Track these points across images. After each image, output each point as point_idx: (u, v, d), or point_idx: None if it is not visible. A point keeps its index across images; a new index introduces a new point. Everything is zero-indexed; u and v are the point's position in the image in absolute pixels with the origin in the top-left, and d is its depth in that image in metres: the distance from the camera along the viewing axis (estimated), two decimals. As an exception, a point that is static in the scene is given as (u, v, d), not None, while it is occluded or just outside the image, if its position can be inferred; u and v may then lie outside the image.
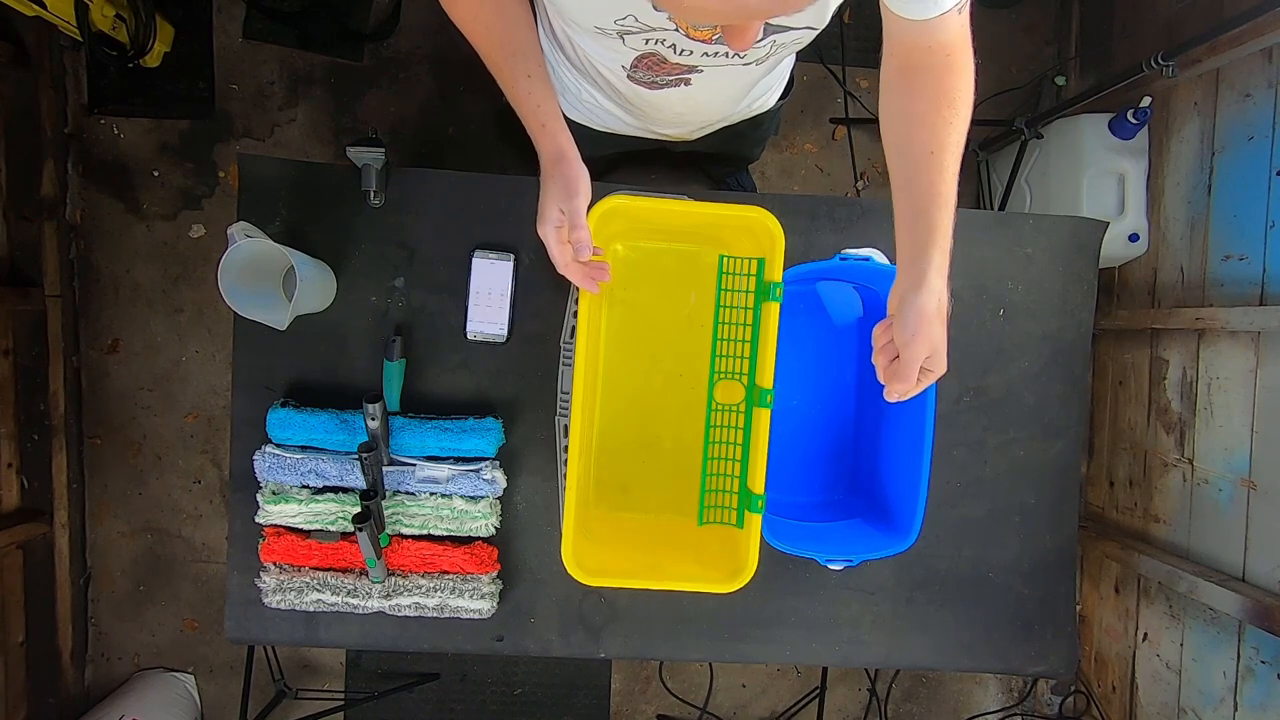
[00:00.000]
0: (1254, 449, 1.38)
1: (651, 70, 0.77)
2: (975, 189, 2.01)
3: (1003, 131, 1.83)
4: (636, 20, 0.66)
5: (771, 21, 0.66)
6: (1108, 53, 1.84)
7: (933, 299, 0.68)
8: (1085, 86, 1.77)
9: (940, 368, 0.70)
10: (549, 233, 0.79)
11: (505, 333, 1.05)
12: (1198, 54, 1.41)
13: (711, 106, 0.90)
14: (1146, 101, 1.55)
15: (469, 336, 1.05)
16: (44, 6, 1.48)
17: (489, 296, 1.04)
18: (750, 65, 0.76)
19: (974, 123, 2.04)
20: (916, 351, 0.68)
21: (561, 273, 0.81)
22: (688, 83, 0.80)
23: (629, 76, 0.80)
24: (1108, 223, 1.16)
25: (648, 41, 0.70)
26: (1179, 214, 1.58)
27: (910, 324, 0.68)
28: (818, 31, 0.70)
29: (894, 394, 0.72)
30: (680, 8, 0.50)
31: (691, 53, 0.72)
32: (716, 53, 0.71)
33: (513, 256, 1.04)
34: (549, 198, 0.79)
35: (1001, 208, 1.80)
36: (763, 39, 0.69)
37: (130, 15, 1.63)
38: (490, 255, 1.04)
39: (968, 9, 0.65)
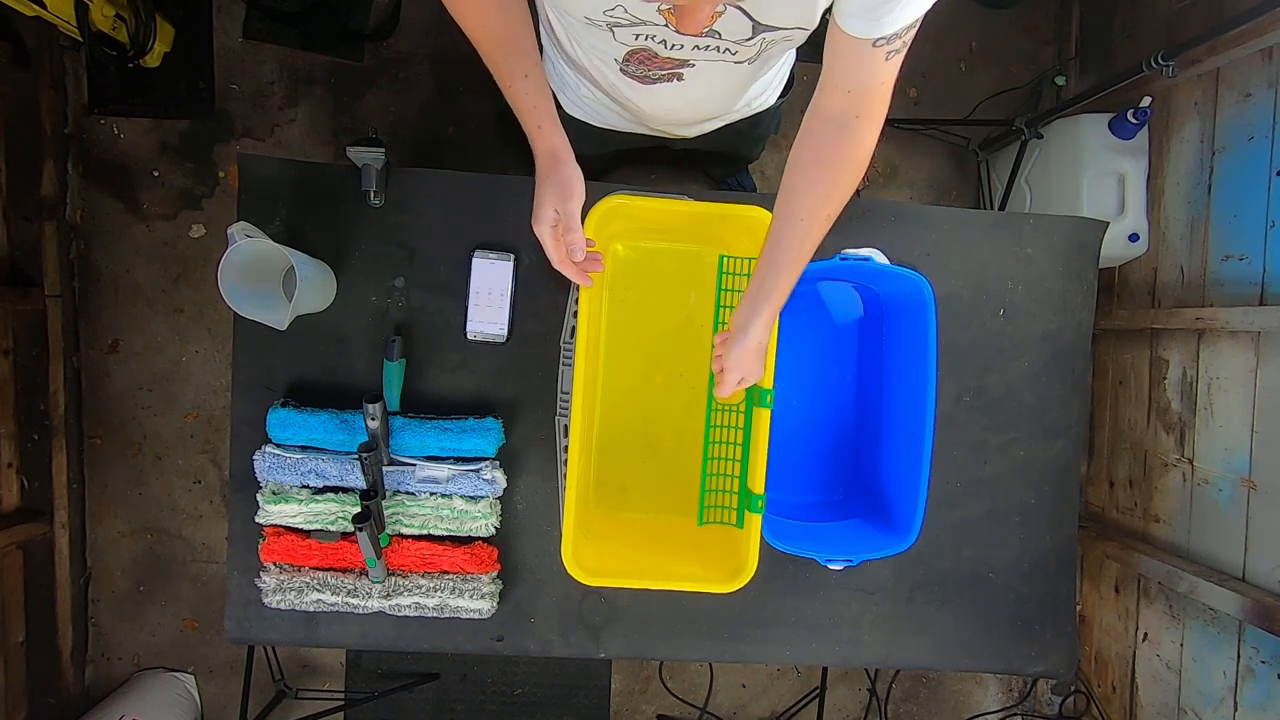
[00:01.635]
0: (1254, 449, 1.38)
1: (644, 65, 0.77)
2: (975, 189, 2.01)
3: (1003, 131, 1.83)
4: (626, 12, 0.66)
5: (760, 20, 0.66)
6: (1108, 53, 1.84)
7: (753, 344, 0.82)
8: (1085, 86, 1.77)
9: (752, 381, 0.86)
10: (544, 231, 0.81)
11: (505, 333, 1.05)
12: (1198, 54, 1.41)
13: (707, 104, 0.90)
14: (1146, 101, 1.55)
15: (469, 336, 1.04)
16: (44, 6, 1.48)
17: (489, 296, 1.04)
18: (742, 64, 0.76)
19: (974, 123, 2.02)
20: (733, 376, 0.84)
21: (556, 268, 0.83)
22: (680, 78, 0.80)
23: (622, 70, 0.80)
24: (1108, 223, 1.16)
25: (637, 36, 0.71)
26: (1179, 214, 1.58)
27: (734, 358, 0.83)
28: (809, 31, 0.70)
29: (719, 393, 0.86)
30: None
31: (682, 46, 0.72)
32: (708, 46, 0.71)
33: (513, 256, 1.04)
34: (544, 198, 0.81)
35: (1001, 208, 1.80)
36: (752, 38, 0.69)
37: (130, 15, 1.63)
38: (490, 255, 1.04)
39: (900, 58, 0.67)
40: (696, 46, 0.72)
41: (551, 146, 0.81)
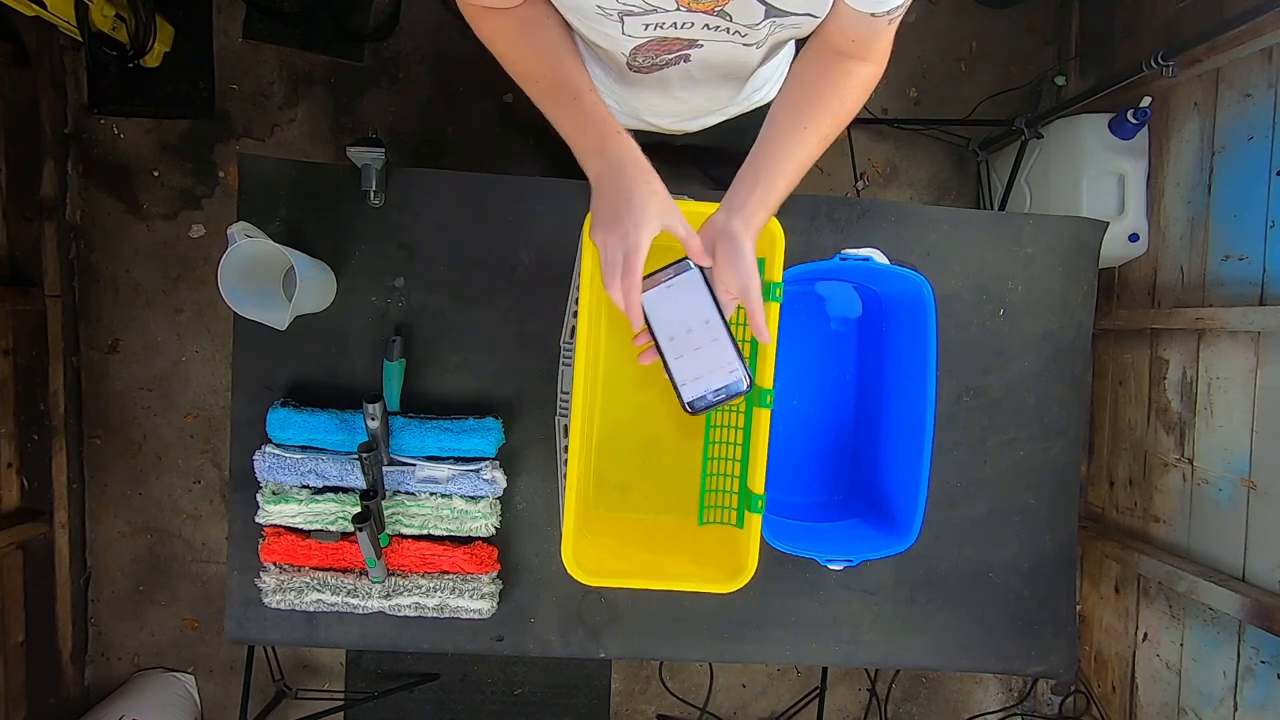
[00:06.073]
0: (1254, 449, 1.38)
1: (652, 52, 0.77)
2: (975, 189, 2.01)
3: (1003, 131, 1.83)
4: (641, 1, 0.66)
5: (773, 4, 0.67)
6: (1108, 53, 1.84)
7: (749, 244, 0.72)
8: (1085, 86, 1.77)
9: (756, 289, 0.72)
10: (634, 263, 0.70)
11: None
12: (1198, 54, 1.41)
13: (709, 89, 0.90)
14: (1146, 101, 1.55)
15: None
16: (44, 6, 1.48)
17: None
18: (750, 47, 0.76)
19: (974, 123, 2.02)
20: (746, 296, 0.71)
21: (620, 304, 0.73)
22: (687, 59, 0.80)
23: (629, 65, 0.80)
24: (1108, 223, 1.16)
25: (647, 27, 0.71)
26: (1179, 214, 1.58)
27: (736, 267, 0.71)
28: (818, 20, 0.71)
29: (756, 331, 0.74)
30: None
31: (691, 25, 0.72)
32: (718, 27, 0.72)
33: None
34: (650, 219, 0.69)
35: (1001, 208, 1.80)
36: (762, 21, 0.70)
37: (130, 15, 1.63)
38: None
39: (898, 22, 0.71)
40: (706, 26, 0.72)
41: (635, 152, 0.71)
